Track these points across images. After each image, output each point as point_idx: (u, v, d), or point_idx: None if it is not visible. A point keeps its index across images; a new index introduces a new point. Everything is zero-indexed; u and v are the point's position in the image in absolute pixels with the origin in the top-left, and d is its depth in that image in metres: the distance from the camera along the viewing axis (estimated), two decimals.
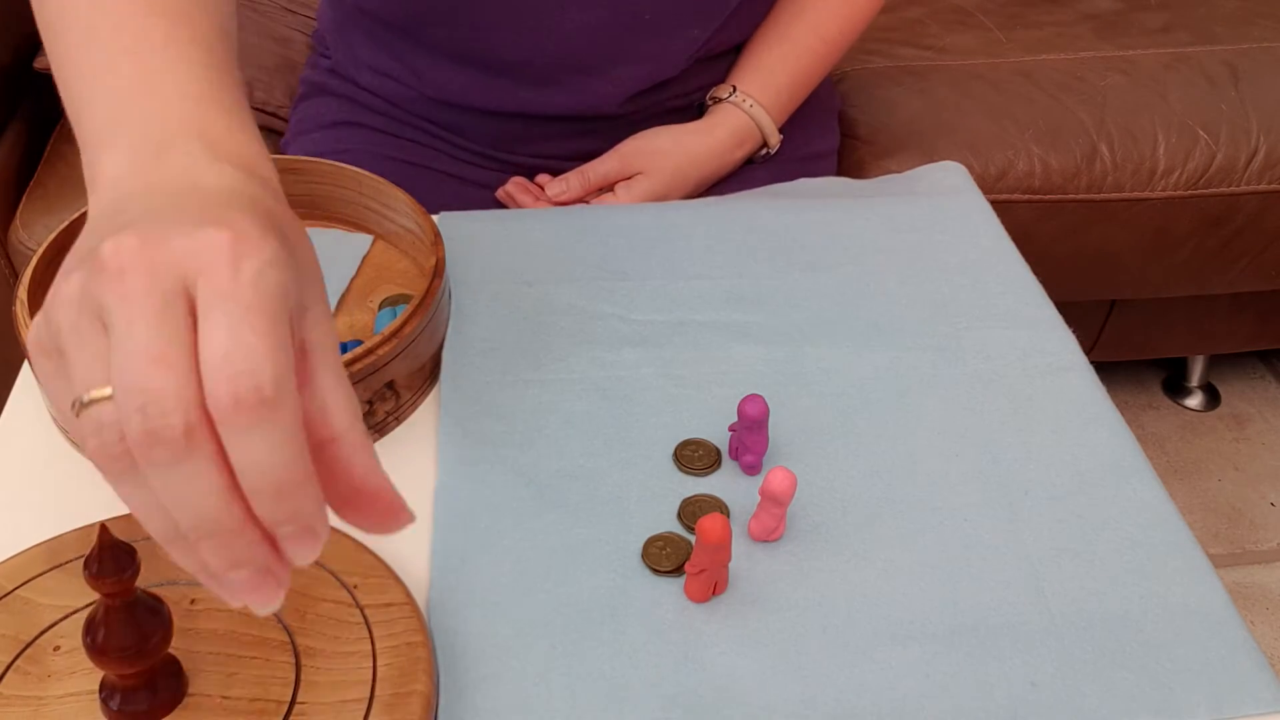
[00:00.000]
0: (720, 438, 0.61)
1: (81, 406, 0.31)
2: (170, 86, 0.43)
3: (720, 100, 0.90)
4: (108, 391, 0.30)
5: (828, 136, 1.01)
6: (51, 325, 0.33)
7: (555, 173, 0.90)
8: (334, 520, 0.55)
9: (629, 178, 0.87)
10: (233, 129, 0.42)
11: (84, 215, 0.66)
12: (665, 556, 0.55)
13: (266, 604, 0.33)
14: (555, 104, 0.86)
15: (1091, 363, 0.67)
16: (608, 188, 0.88)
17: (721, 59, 0.91)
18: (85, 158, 0.43)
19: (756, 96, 0.89)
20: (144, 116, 0.41)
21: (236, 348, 0.30)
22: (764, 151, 0.92)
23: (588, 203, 0.88)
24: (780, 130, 0.92)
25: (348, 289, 0.69)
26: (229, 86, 0.45)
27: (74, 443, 0.60)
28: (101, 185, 0.40)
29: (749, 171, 0.92)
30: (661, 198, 0.86)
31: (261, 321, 0.31)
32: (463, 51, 0.84)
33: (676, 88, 0.89)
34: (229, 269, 0.32)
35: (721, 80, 0.91)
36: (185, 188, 0.37)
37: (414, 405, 0.63)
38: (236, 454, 0.31)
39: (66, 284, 0.33)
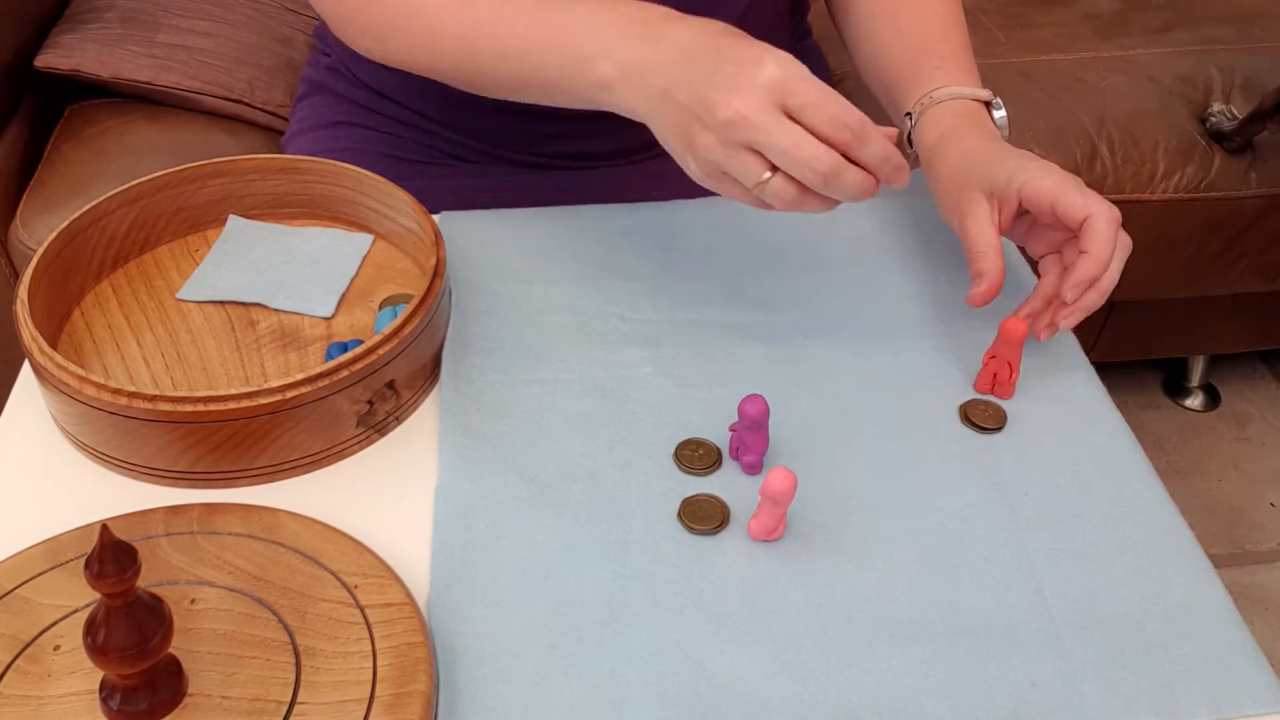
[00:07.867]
0: (720, 438, 0.61)
1: (760, 185, 0.57)
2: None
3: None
4: (768, 175, 0.56)
5: None
6: (708, 164, 0.58)
7: (558, 171, 0.89)
8: (336, 520, 0.55)
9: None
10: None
11: (84, 215, 0.66)
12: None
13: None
14: (560, 107, 0.86)
15: (1091, 363, 0.67)
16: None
17: None
18: (577, 66, 0.64)
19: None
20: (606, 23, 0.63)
21: (831, 117, 0.56)
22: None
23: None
24: None
25: (348, 288, 0.69)
26: None
27: (74, 443, 0.60)
28: (623, 71, 0.62)
29: None
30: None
31: (828, 99, 0.56)
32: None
33: None
34: (795, 86, 0.56)
35: None
36: (702, 47, 0.59)
37: (414, 405, 0.63)
38: (862, 159, 0.57)
39: (706, 140, 0.57)
